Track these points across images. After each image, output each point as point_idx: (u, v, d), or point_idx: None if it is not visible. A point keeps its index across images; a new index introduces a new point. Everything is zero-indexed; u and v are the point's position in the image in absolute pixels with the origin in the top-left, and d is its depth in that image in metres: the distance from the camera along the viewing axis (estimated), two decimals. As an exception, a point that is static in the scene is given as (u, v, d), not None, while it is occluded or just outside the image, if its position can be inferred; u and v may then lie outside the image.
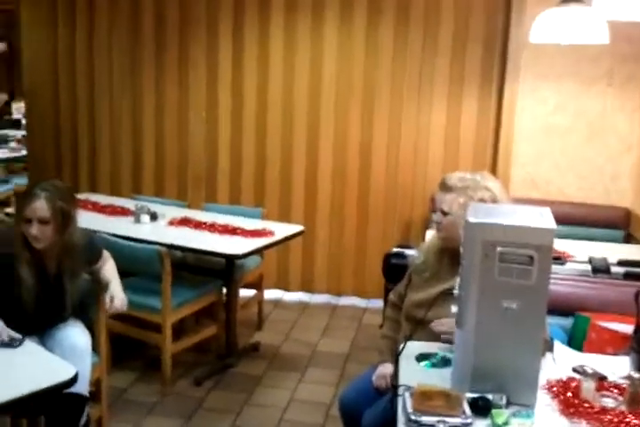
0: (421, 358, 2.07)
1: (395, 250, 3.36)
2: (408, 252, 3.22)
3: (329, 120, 4.71)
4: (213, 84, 4.85)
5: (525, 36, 3.96)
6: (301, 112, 4.74)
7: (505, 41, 4.40)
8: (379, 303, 4.55)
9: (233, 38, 4.74)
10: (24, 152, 6.26)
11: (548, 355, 2.11)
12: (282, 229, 3.84)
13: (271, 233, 3.72)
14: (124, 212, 4.09)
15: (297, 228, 3.98)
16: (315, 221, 4.81)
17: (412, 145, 4.63)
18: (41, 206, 2.42)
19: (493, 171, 4.40)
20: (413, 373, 1.93)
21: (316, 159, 4.78)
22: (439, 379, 1.85)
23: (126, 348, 3.72)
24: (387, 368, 2.36)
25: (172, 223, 3.88)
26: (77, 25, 5.02)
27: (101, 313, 2.77)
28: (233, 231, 3.73)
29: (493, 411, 1.70)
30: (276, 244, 3.75)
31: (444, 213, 2.31)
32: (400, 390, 1.81)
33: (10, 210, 5.40)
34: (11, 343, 2.16)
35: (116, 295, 2.68)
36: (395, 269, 3.02)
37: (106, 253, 2.86)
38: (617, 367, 2.02)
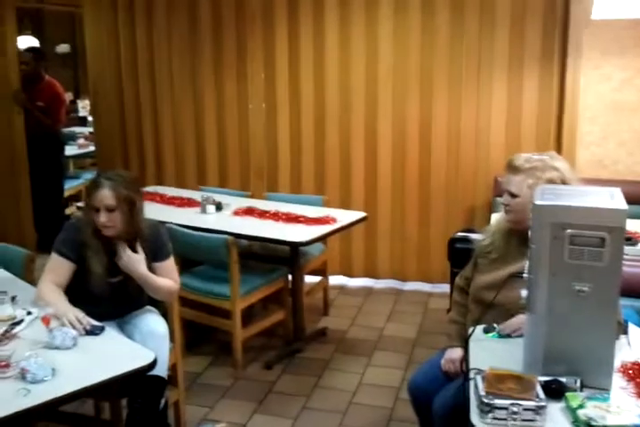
0: (487, 330, 2.14)
1: (459, 234, 3.34)
2: (472, 236, 3.19)
3: (387, 106, 4.69)
4: (271, 76, 4.90)
5: (585, 12, 3.86)
6: (359, 99, 4.74)
7: (564, 18, 4.26)
8: (444, 288, 4.54)
9: (288, 30, 4.79)
10: (92, 148, 6.50)
11: (623, 338, 2.07)
12: (344, 216, 3.88)
13: (334, 220, 3.76)
14: (190, 203, 4.20)
15: (359, 214, 4.01)
16: (376, 207, 4.82)
17: (474, 128, 4.56)
18: (106, 195, 2.48)
19: (558, 151, 4.29)
20: (484, 356, 1.94)
21: (375, 145, 4.77)
22: (509, 362, 1.84)
23: (198, 334, 3.84)
24: (455, 353, 2.37)
25: (237, 213, 3.96)
26: (137, 24, 5.19)
27: (175, 301, 2.86)
28: (296, 219, 3.79)
29: (568, 394, 1.69)
30: (339, 230, 3.78)
31: (513, 196, 2.28)
32: (471, 374, 1.82)
33: (81, 204, 5.60)
34: (93, 331, 2.26)
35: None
36: (460, 254, 3.01)
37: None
38: (695, 349, 1.98)
